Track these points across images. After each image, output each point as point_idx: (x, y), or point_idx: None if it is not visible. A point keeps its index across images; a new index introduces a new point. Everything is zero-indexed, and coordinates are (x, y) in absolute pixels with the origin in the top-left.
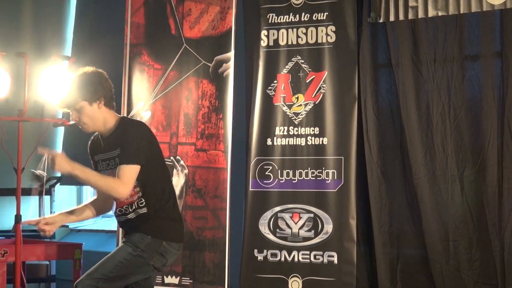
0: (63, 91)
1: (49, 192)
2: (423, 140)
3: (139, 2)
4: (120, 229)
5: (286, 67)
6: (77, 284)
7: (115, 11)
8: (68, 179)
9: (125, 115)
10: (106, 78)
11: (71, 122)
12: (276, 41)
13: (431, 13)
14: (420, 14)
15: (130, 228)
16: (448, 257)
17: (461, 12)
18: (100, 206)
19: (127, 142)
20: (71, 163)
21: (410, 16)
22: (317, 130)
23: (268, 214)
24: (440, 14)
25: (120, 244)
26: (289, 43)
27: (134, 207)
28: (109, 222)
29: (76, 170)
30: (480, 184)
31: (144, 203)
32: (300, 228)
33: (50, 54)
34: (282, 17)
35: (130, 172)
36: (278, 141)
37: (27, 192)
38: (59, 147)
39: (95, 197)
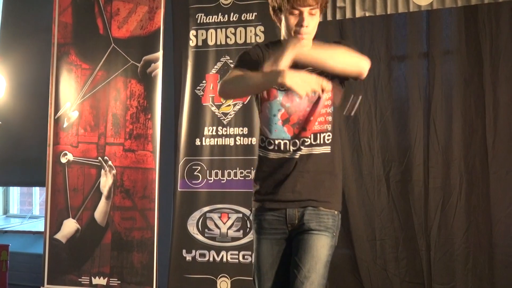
0: None
1: None
2: (350, 140)
3: (66, 1)
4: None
5: (215, 67)
6: None
7: (42, 10)
8: None
9: (52, 115)
10: None
11: None
12: (205, 41)
13: (359, 13)
14: (348, 15)
15: (303, 172)
16: (375, 256)
17: (388, 12)
18: None
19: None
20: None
21: (338, 17)
22: (245, 130)
23: (197, 214)
24: (367, 14)
25: (314, 236)
26: (218, 43)
27: (318, 140)
28: (36, 224)
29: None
30: (406, 183)
31: (330, 139)
32: (229, 228)
33: None
34: (210, 17)
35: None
36: (207, 141)
37: None
38: None
39: None
